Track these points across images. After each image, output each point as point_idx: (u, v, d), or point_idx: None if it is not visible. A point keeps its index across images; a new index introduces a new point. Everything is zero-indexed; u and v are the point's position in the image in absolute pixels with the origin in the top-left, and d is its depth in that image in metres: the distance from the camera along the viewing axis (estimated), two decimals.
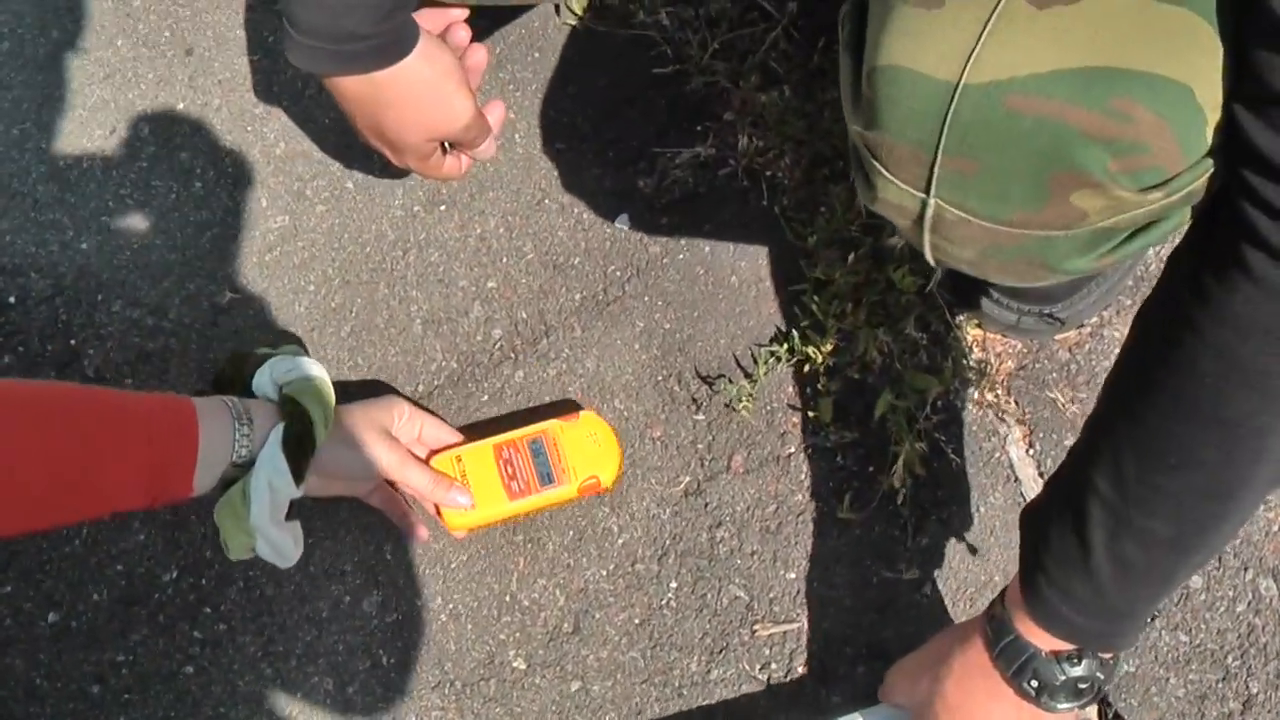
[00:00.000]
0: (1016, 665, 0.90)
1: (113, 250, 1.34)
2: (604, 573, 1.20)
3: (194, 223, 1.35)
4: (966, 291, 1.22)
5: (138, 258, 1.33)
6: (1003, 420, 1.23)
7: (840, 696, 1.14)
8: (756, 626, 1.17)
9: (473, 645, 1.18)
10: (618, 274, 1.32)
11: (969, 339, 1.25)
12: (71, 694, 1.16)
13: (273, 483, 1.03)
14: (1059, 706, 0.90)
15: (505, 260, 1.33)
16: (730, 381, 1.25)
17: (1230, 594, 1.16)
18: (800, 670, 1.15)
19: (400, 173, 1.34)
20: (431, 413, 1.22)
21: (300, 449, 1.05)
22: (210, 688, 1.16)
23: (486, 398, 1.26)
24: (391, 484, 1.18)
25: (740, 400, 1.23)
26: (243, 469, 1.04)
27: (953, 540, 1.19)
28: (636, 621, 1.18)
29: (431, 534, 1.20)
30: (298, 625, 1.18)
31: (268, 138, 1.39)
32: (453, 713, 1.15)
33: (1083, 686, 0.90)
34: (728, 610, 1.18)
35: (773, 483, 1.22)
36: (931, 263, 0.86)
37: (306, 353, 1.21)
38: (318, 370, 1.12)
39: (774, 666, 1.16)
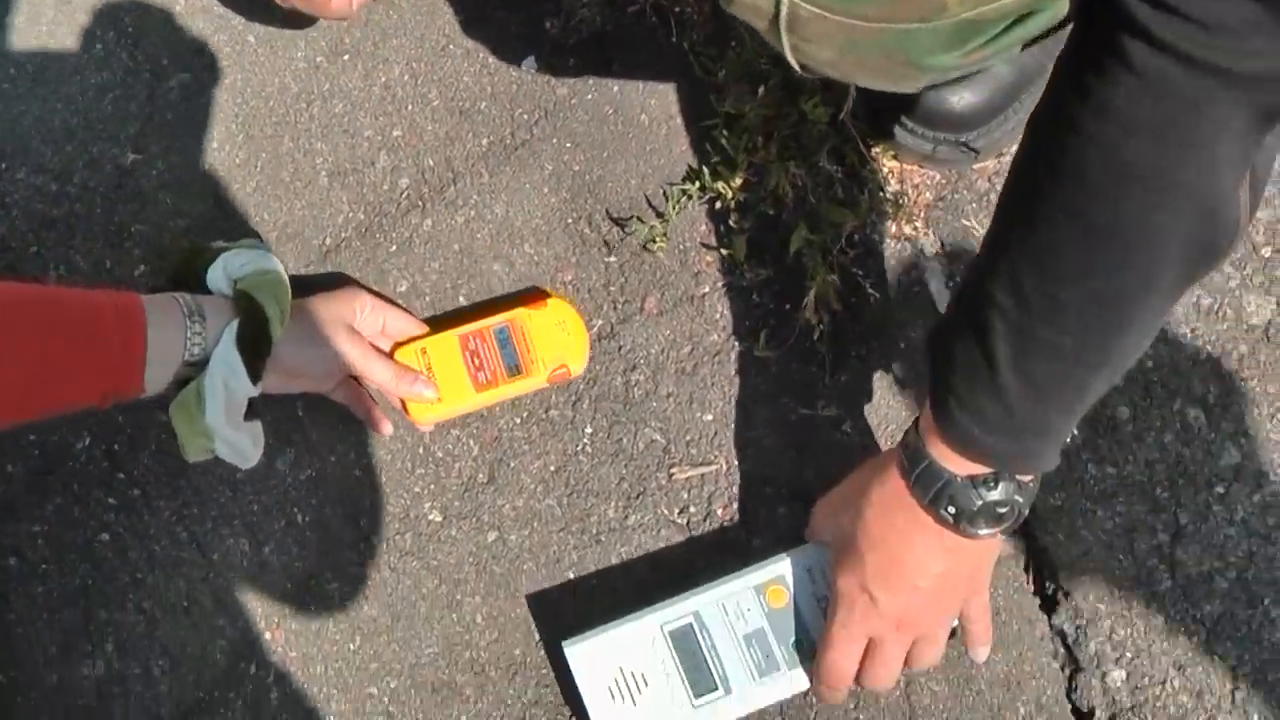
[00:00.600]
0: (933, 492, 0.89)
1: (13, 118, 1.30)
2: (517, 420, 1.18)
3: (95, 85, 1.31)
4: (880, 121, 1.19)
5: (39, 124, 1.30)
6: (921, 252, 1.20)
7: (761, 539, 1.13)
8: (674, 470, 1.15)
9: (387, 499, 1.16)
10: (525, 117, 1.28)
11: (885, 171, 1.22)
12: None
13: (228, 382, 1.00)
14: (979, 533, 0.90)
15: (411, 108, 1.29)
16: (641, 221, 1.22)
17: (1158, 424, 1.14)
18: (719, 513, 1.14)
19: (303, 23, 1.31)
20: (395, 304, 1.19)
21: (255, 346, 1.02)
22: (127, 554, 1.15)
23: (395, 248, 1.23)
24: (355, 379, 1.15)
25: (653, 241, 1.20)
26: (197, 368, 1.01)
27: (873, 375, 1.17)
28: (552, 469, 1.16)
29: (397, 428, 1.17)
30: (211, 488, 1.16)
31: None
32: (370, 567, 1.14)
33: (1001, 511, 0.89)
34: (644, 454, 1.16)
35: (687, 323, 1.19)
36: (795, 67, 0.83)
37: (264, 246, 1.17)
38: (273, 264, 1.08)
39: (693, 510, 1.14)
